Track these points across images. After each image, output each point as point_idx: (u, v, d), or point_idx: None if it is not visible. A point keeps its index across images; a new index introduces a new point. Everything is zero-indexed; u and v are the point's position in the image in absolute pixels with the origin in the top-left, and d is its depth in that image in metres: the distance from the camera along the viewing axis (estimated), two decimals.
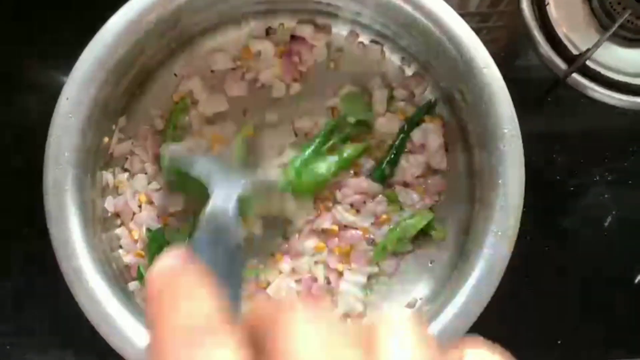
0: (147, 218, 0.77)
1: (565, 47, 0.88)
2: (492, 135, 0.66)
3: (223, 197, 0.58)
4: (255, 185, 0.67)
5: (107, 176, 0.76)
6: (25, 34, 0.88)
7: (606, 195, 0.85)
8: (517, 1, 0.90)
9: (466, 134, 0.75)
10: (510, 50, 0.89)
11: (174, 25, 0.73)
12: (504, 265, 0.64)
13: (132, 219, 0.77)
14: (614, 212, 0.84)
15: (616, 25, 0.84)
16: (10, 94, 0.87)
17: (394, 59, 0.81)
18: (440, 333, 0.63)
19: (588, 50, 0.84)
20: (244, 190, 0.61)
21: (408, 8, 0.70)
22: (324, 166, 0.75)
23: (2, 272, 0.83)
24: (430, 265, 0.76)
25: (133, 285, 0.73)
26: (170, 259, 0.32)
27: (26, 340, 0.82)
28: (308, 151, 0.75)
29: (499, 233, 0.64)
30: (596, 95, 0.87)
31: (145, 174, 0.78)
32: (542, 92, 0.89)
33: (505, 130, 0.65)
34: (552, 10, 0.89)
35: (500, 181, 0.65)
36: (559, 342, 0.80)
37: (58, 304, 0.80)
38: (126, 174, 0.77)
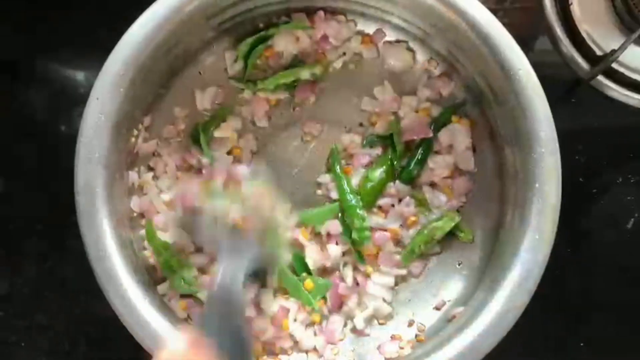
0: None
1: (588, 46, 0.88)
2: (528, 137, 0.66)
3: (230, 273, 0.60)
4: (262, 259, 0.68)
5: (133, 175, 0.75)
6: (37, 29, 0.87)
7: (629, 197, 0.85)
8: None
9: (496, 134, 0.74)
10: (530, 49, 0.89)
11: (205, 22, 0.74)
12: (542, 269, 0.64)
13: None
14: (636, 214, 0.84)
15: None
16: (17, 87, 0.86)
17: (420, 58, 0.80)
18: (478, 338, 0.62)
19: (613, 51, 0.84)
20: (251, 266, 0.63)
21: (441, 7, 0.69)
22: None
23: (17, 270, 0.82)
24: (458, 266, 0.76)
25: (162, 288, 0.72)
26: (181, 345, 0.36)
27: (40, 338, 0.81)
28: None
29: (537, 237, 0.64)
30: (618, 96, 0.87)
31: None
32: (564, 91, 0.88)
33: (542, 133, 0.65)
34: (576, 10, 0.89)
35: (537, 184, 0.64)
36: (582, 344, 0.80)
37: (74, 302, 0.80)
38: (151, 174, 0.77)
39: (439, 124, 0.78)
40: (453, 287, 0.75)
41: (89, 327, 0.80)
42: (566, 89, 0.88)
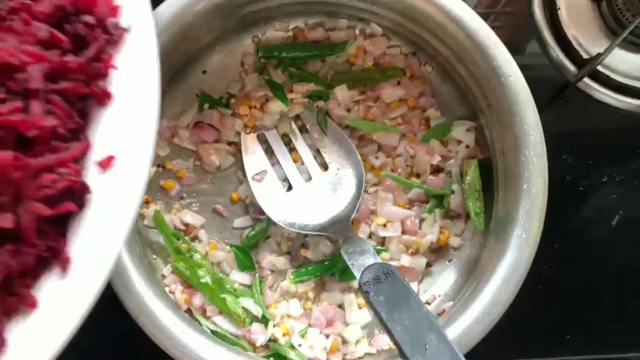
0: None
1: (575, 50, 0.91)
2: (518, 141, 0.69)
3: None
4: None
5: None
6: None
7: (614, 196, 0.88)
8: (526, 4, 0.93)
9: (490, 140, 0.77)
10: (520, 53, 0.92)
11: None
12: (527, 267, 0.67)
13: None
14: (621, 212, 0.87)
15: (627, 31, 0.87)
16: None
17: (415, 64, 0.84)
18: (465, 331, 0.65)
19: (599, 55, 0.87)
20: None
21: (440, 15, 0.73)
22: None
23: None
24: (448, 263, 0.79)
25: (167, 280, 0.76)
26: None
27: None
28: None
29: (523, 235, 0.67)
30: (605, 99, 0.90)
31: None
32: (552, 94, 0.91)
33: (531, 137, 0.68)
34: (564, 15, 0.92)
35: (525, 186, 0.68)
36: (568, 337, 0.83)
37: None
38: (154, 169, 0.80)
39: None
40: (443, 283, 0.78)
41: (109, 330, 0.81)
42: (555, 92, 0.91)
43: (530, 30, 0.93)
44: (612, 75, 0.90)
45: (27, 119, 0.46)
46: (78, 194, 0.48)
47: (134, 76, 0.51)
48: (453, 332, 0.65)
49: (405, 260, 0.76)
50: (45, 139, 0.47)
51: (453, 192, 0.78)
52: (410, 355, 0.56)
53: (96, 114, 0.51)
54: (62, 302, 0.46)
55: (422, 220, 0.79)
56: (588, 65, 0.88)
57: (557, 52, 0.91)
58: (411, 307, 0.59)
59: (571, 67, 0.91)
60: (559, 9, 0.91)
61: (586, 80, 0.90)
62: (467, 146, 0.79)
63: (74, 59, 0.49)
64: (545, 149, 0.69)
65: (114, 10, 0.52)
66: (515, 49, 0.74)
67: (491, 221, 0.76)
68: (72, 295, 0.46)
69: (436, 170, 0.81)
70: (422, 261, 0.77)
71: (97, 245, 0.47)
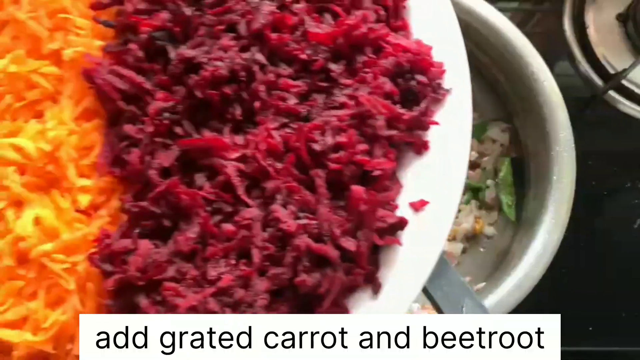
0: None
1: (602, 66, 0.98)
2: (549, 139, 0.77)
3: None
4: None
5: None
6: None
7: (636, 200, 0.94)
8: (557, 23, 1.00)
9: (523, 141, 0.86)
10: (552, 68, 0.98)
11: None
12: (556, 247, 0.74)
13: None
14: None
15: None
16: None
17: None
18: (498, 302, 0.72)
19: (624, 70, 0.94)
20: None
21: (481, 27, 0.83)
22: None
23: None
24: (482, 250, 0.87)
25: None
26: None
27: None
28: None
29: (553, 221, 0.74)
30: (629, 111, 0.97)
31: None
32: (581, 105, 0.98)
33: (561, 135, 0.76)
34: (592, 33, 0.99)
35: (555, 177, 0.75)
36: (590, 329, 0.88)
37: None
38: None
39: None
40: (477, 267, 0.85)
41: None
42: (583, 104, 0.98)
43: (561, 48, 1.00)
44: (637, 90, 0.97)
45: (371, 160, 0.52)
46: (395, 229, 0.52)
47: (449, 133, 0.56)
48: (488, 302, 0.72)
49: (444, 245, 0.83)
50: (384, 179, 0.53)
51: (488, 186, 0.87)
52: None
53: (409, 159, 0.55)
54: None
55: (459, 210, 0.86)
56: (613, 80, 0.95)
57: (585, 68, 0.98)
58: (449, 276, 0.65)
59: (598, 82, 0.97)
60: (588, 27, 0.99)
61: (612, 93, 0.97)
62: (502, 145, 0.87)
63: (407, 112, 0.54)
64: (573, 145, 0.77)
65: (441, 74, 0.58)
66: (548, 65, 0.82)
67: (522, 214, 0.83)
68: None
69: (473, 165, 0.88)
70: (458, 246, 0.84)
71: (404, 278, 0.51)
